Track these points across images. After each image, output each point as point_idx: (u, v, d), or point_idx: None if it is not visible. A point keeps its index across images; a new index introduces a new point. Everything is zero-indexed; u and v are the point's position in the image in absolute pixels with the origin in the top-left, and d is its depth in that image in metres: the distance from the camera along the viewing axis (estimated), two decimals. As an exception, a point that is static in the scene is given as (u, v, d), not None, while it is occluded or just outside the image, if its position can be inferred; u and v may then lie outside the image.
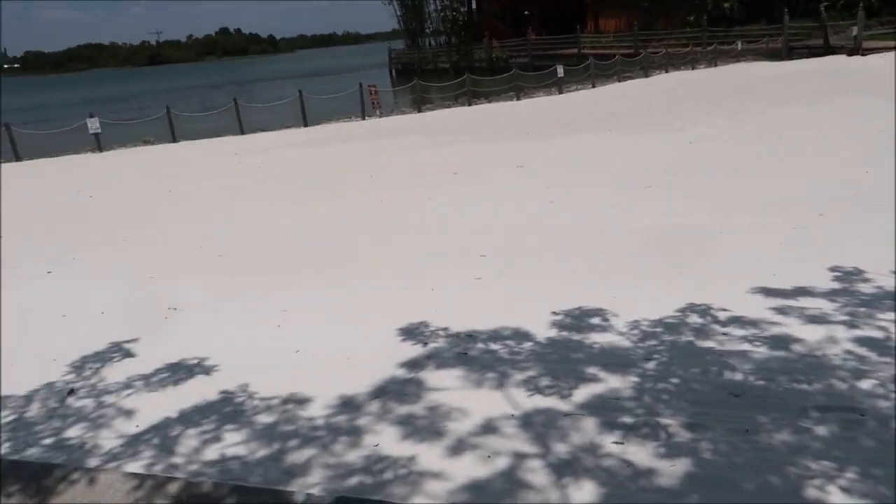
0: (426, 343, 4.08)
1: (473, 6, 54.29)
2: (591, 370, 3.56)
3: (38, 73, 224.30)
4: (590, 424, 3.03)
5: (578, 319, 4.35)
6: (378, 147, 16.20)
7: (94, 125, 20.22)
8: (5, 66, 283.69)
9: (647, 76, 28.96)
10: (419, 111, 24.04)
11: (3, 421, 3.32)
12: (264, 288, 5.73)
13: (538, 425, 3.05)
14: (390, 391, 3.41)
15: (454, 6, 52.47)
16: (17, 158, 20.02)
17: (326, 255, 7.15)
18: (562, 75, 25.83)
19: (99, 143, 20.45)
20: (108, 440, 3.07)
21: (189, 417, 3.27)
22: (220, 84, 73.99)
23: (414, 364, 3.76)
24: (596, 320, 4.32)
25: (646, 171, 10.43)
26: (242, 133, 21.69)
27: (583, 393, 3.33)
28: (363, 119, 22.90)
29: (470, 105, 24.48)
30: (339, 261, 6.77)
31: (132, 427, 3.20)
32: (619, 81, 27.79)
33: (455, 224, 8.27)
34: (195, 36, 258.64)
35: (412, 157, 14.16)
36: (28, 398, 3.58)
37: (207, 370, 3.85)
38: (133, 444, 3.06)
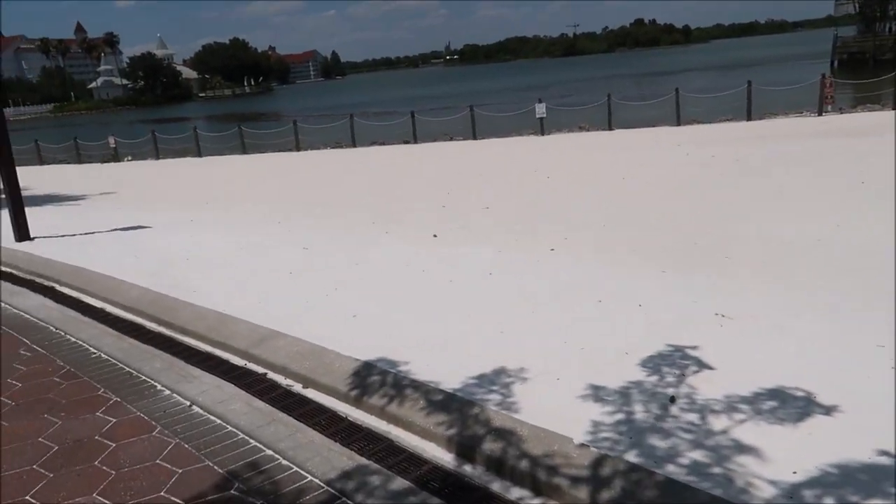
0: None
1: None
2: None
3: (472, 62, 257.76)
4: None
5: None
6: (853, 147, 13.74)
7: (541, 110, 21.61)
8: (447, 57, 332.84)
9: None
10: None
11: (613, 419, 3.14)
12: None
13: None
14: None
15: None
16: (474, 137, 22.58)
17: None
18: None
19: (542, 127, 21.81)
20: (753, 479, 2.57)
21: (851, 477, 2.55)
22: (631, 74, 74.57)
23: None
24: None
25: None
26: (679, 124, 20.87)
27: None
28: (819, 115, 20.02)
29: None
30: None
31: (784, 470, 2.64)
32: None
33: None
34: (610, 28, 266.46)
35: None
36: (624, 395, 3.36)
37: (829, 411, 3.15)
38: (795, 494, 2.49)
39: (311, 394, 3.78)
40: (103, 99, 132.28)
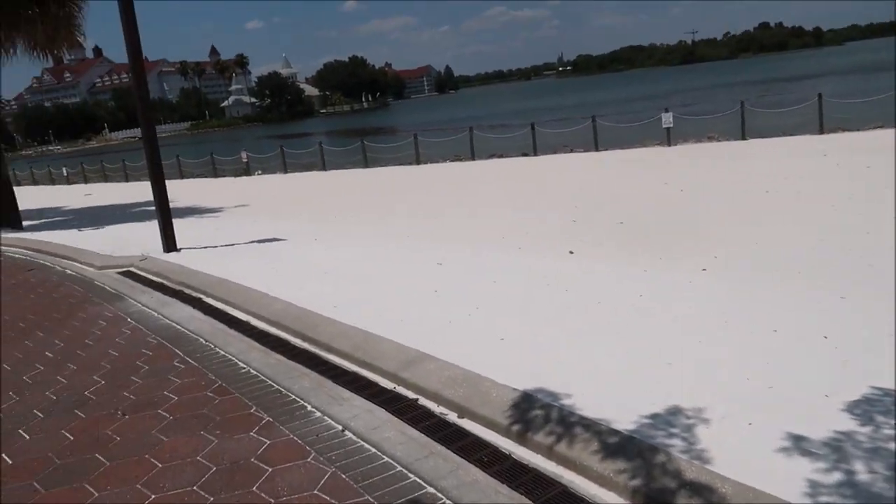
0: None
1: None
2: None
3: (586, 73, 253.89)
4: None
5: None
6: None
7: (667, 119, 20.66)
8: (560, 68, 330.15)
9: None
10: None
11: (830, 479, 2.67)
12: None
13: None
14: None
15: None
16: (596, 149, 21.93)
17: None
18: None
19: (669, 137, 20.84)
20: None
21: None
22: (757, 81, 70.36)
23: None
24: None
25: None
26: (822, 132, 19.28)
27: None
28: None
29: None
30: None
31: None
32: None
33: None
34: (731, 33, 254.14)
35: None
36: (836, 448, 2.88)
37: None
38: None
39: (467, 424, 3.53)
40: (234, 116, 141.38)
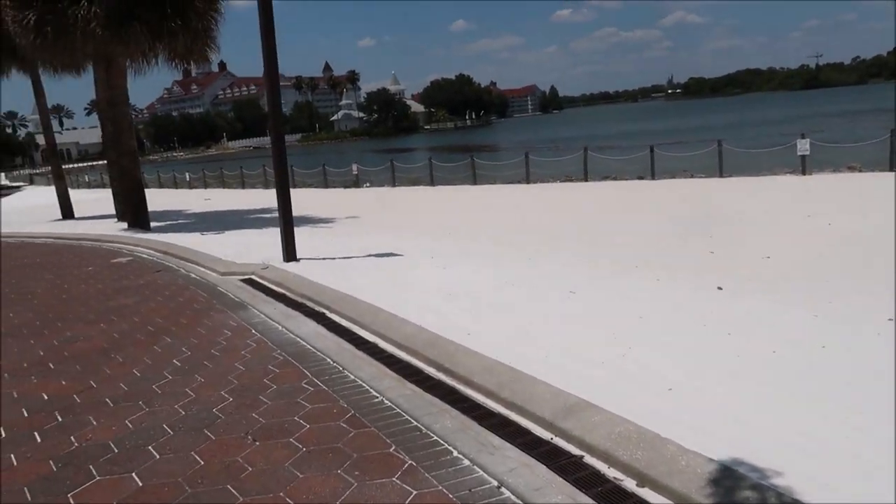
0: None
1: None
2: None
3: (697, 96, 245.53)
4: None
5: None
6: None
7: (803, 146, 19.14)
8: (669, 90, 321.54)
9: None
10: None
11: None
12: None
13: None
14: None
15: None
16: (721, 175, 20.64)
17: None
18: None
19: (804, 165, 19.28)
20: None
21: None
22: (887, 109, 65.04)
23: None
24: None
25: None
26: None
27: None
28: None
29: None
30: None
31: None
32: None
33: None
34: (861, 57, 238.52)
35: None
36: None
37: None
38: None
39: (650, 496, 2.96)
40: (342, 130, 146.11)
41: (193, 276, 9.16)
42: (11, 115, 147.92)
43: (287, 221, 9.27)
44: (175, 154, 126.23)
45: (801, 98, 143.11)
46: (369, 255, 9.66)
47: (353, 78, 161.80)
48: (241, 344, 5.74)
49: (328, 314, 6.48)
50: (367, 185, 29.29)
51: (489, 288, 7.17)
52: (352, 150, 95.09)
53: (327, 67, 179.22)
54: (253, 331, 6.14)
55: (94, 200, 27.23)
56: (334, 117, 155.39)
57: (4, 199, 42.68)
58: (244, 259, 9.71)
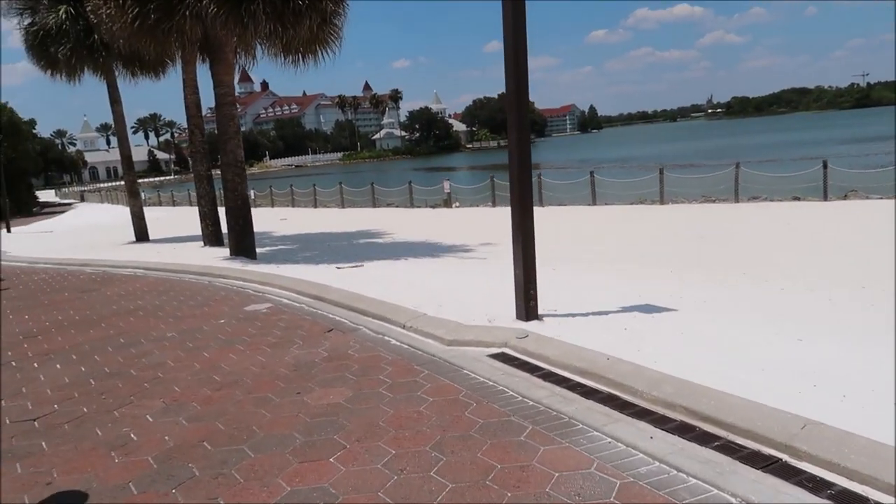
0: None
1: None
2: None
3: (740, 115, 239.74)
4: None
5: None
6: None
7: None
8: (709, 110, 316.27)
9: None
10: None
11: None
12: None
13: None
14: None
15: None
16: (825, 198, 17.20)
17: None
18: None
19: None
20: None
21: None
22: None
23: None
24: None
25: None
26: None
27: None
28: None
29: None
30: None
31: None
32: None
33: None
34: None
35: None
36: None
37: None
38: None
39: None
40: (384, 149, 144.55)
41: (394, 342, 6.19)
42: (60, 133, 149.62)
43: (529, 266, 6.26)
44: (218, 172, 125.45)
45: (856, 117, 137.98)
46: (629, 309, 6.58)
47: (395, 97, 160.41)
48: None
49: (698, 424, 3.40)
50: (457, 204, 26.37)
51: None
52: (393, 169, 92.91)
53: (367, 87, 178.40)
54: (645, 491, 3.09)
55: (155, 220, 24.74)
56: (377, 136, 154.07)
57: (60, 218, 40.88)
58: (444, 311, 6.75)
